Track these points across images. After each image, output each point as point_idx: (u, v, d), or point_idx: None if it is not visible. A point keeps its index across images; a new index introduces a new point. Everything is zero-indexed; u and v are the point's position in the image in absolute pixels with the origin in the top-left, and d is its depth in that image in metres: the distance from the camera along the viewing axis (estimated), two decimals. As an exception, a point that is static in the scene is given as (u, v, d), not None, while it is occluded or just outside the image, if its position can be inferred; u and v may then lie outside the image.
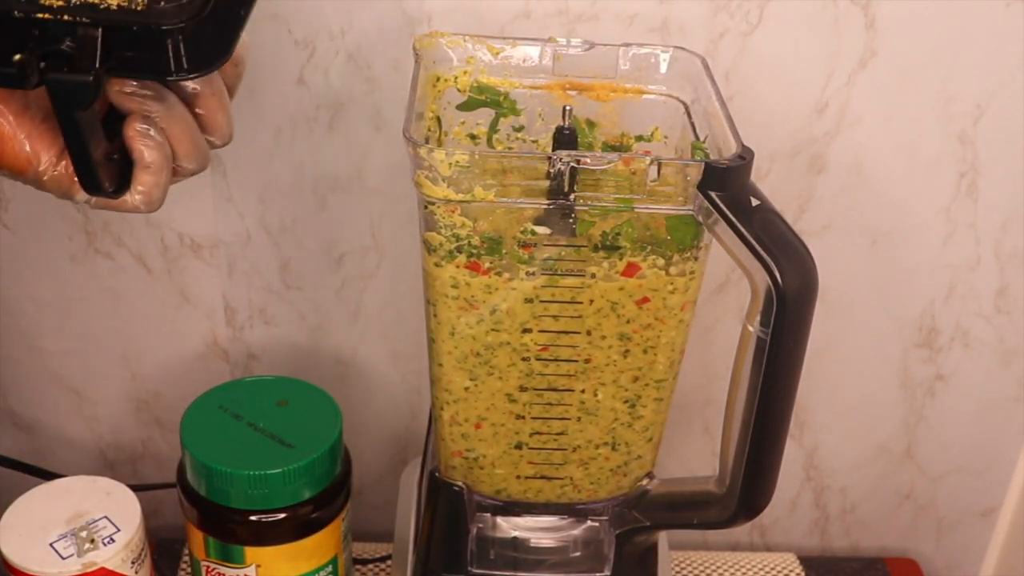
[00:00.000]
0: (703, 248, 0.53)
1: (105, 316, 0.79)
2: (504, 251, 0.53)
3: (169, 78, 0.44)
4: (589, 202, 0.51)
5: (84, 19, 0.41)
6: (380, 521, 0.82)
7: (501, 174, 0.51)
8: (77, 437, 0.85)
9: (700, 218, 0.51)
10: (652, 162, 0.50)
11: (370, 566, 0.81)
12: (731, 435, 0.55)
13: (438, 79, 0.60)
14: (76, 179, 0.47)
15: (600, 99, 0.60)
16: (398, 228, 0.76)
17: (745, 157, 0.50)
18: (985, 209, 0.76)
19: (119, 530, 0.62)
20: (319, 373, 0.81)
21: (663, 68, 0.60)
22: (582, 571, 0.62)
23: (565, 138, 0.58)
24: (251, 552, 0.64)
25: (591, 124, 0.61)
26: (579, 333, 0.55)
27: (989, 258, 0.78)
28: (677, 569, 0.85)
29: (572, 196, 0.51)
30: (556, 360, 0.56)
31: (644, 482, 0.62)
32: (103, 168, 0.46)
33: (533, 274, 0.53)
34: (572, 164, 0.50)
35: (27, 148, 0.47)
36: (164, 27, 0.41)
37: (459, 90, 0.60)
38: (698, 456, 0.86)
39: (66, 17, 0.41)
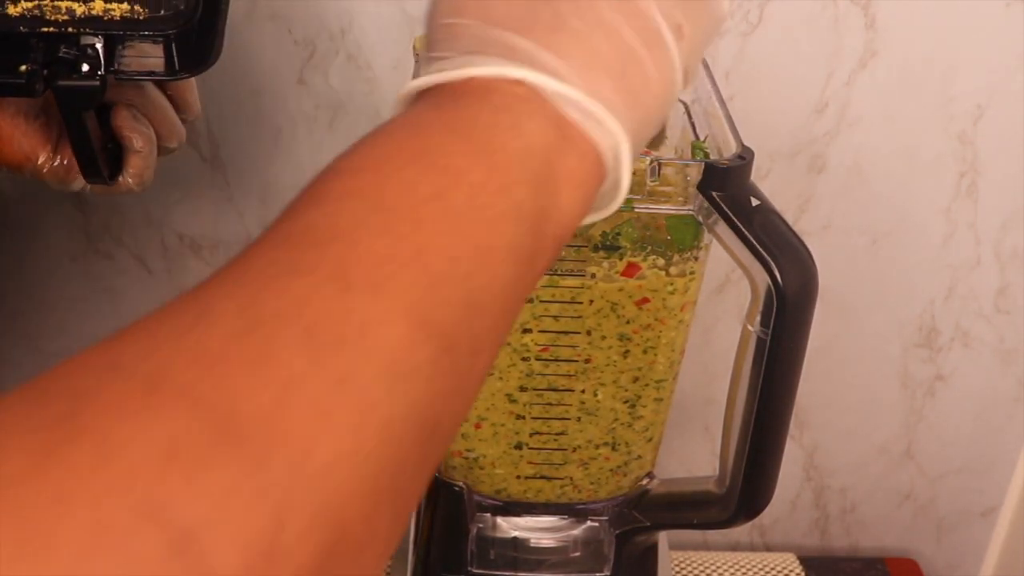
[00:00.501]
0: (703, 248, 0.53)
1: (105, 316, 0.79)
2: (504, 251, 0.53)
3: (169, 78, 0.48)
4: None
5: (88, 31, 0.44)
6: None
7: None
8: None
9: (700, 218, 0.51)
10: (652, 162, 0.50)
11: (370, 566, 0.81)
12: (731, 435, 0.55)
13: (438, 79, 0.60)
14: (72, 169, 0.51)
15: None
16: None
17: (745, 157, 0.50)
18: (985, 209, 0.76)
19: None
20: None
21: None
22: (582, 571, 0.62)
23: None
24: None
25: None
26: (579, 333, 0.55)
27: (989, 258, 0.78)
28: (677, 569, 0.85)
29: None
30: (556, 360, 0.56)
31: (644, 482, 0.62)
32: (101, 157, 0.50)
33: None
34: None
35: (25, 147, 0.50)
36: (165, 34, 0.44)
37: (459, 90, 0.60)
38: (698, 456, 0.86)
39: (70, 30, 0.44)
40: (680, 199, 0.51)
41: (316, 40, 0.69)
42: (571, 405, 0.58)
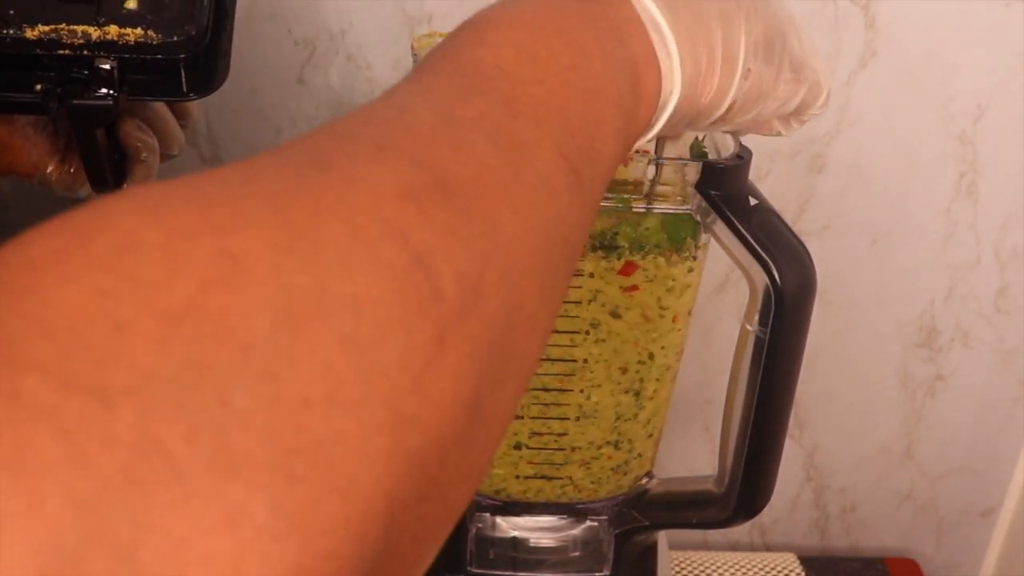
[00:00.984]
0: (702, 248, 0.53)
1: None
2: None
3: (179, 100, 0.51)
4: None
5: (103, 54, 0.45)
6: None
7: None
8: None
9: (698, 217, 0.51)
10: (651, 161, 0.50)
11: (370, 566, 0.81)
12: (730, 434, 0.55)
13: (437, 79, 0.60)
14: (79, 178, 0.52)
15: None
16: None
17: (743, 156, 0.50)
18: (985, 209, 0.76)
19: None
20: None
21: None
22: (581, 571, 0.62)
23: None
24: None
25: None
26: (577, 333, 0.55)
27: (989, 258, 0.78)
28: (677, 569, 0.85)
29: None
30: (553, 360, 0.56)
31: (643, 482, 0.62)
32: (108, 167, 0.51)
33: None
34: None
35: (34, 156, 0.52)
36: (178, 57, 0.46)
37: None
38: (698, 456, 0.86)
39: (85, 53, 0.45)
40: (679, 198, 0.51)
41: (316, 40, 0.69)
42: (569, 405, 0.58)
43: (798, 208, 0.76)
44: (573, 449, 0.59)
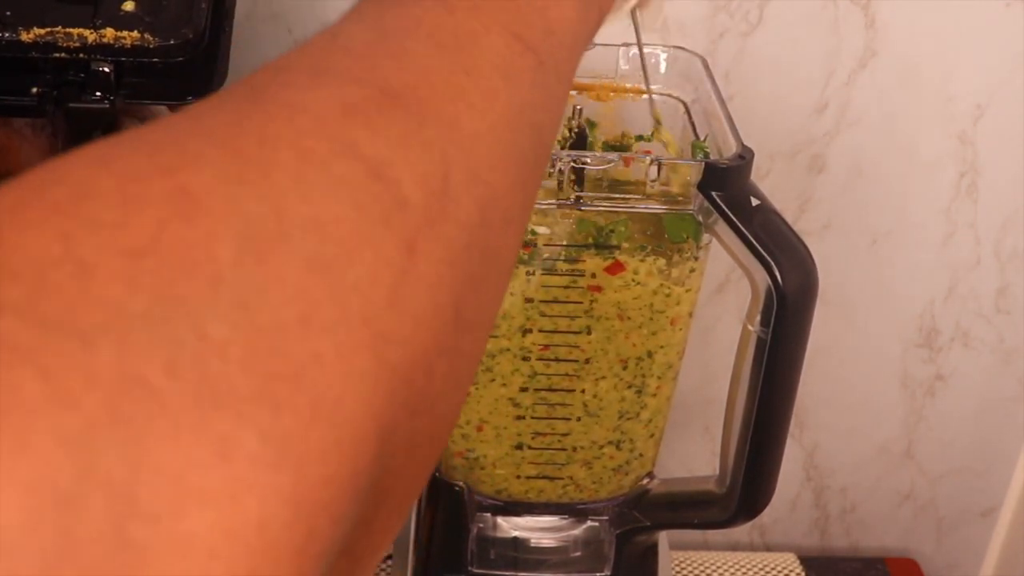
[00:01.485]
0: (703, 248, 0.53)
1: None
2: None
3: (176, 103, 0.49)
4: (590, 202, 0.51)
5: (99, 57, 0.45)
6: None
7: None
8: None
9: (700, 218, 0.51)
10: (652, 162, 0.50)
11: (370, 566, 0.81)
12: (731, 435, 0.55)
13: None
14: None
15: (600, 99, 0.60)
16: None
17: (745, 157, 0.50)
18: (985, 209, 0.76)
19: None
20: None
21: (663, 68, 0.60)
22: (582, 571, 0.62)
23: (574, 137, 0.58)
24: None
25: (591, 124, 0.61)
26: (579, 333, 0.55)
27: (989, 258, 0.78)
28: (677, 569, 0.85)
29: (572, 196, 0.51)
30: (557, 360, 0.56)
31: (644, 482, 0.62)
32: None
33: (533, 274, 0.53)
34: (572, 164, 0.50)
35: (33, 157, 0.51)
36: (176, 60, 0.46)
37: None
38: (698, 456, 0.86)
39: (82, 56, 0.45)
40: (680, 198, 0.51)
41: (316, 40, 0.69)
42: (572, 405, 0.58)
43: (798, 208, 0.76)
44: (575, 449, 0.59)
